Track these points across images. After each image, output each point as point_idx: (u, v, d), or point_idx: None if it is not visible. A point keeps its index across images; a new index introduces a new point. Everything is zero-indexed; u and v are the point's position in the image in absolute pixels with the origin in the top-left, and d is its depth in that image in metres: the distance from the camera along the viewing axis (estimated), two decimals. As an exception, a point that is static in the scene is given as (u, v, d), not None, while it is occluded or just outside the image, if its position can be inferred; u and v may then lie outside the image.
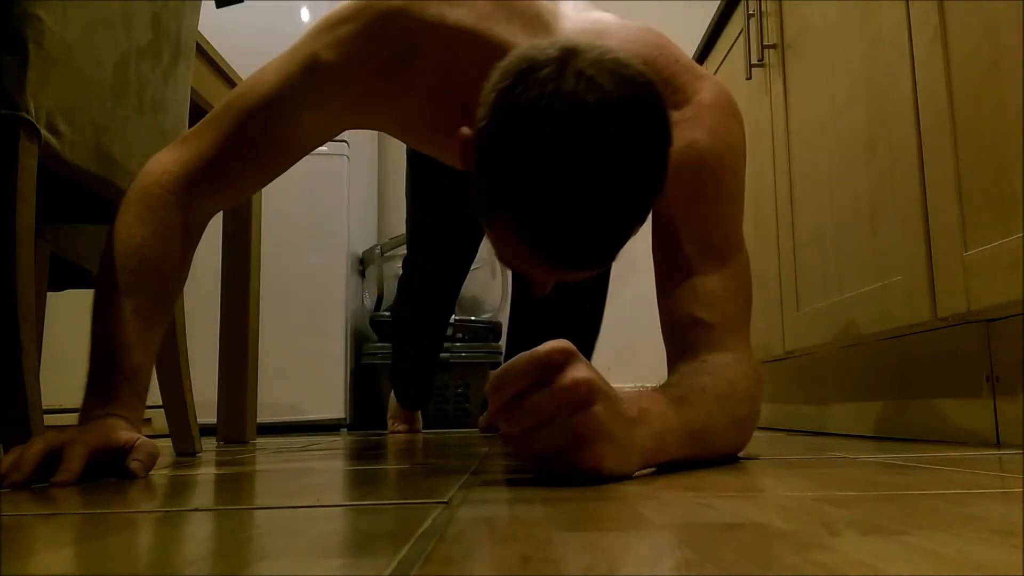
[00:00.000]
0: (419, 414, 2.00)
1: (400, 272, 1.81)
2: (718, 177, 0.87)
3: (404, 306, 1.78)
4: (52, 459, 0.73)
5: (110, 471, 0.77)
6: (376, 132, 3.00)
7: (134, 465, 0.76)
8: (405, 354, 1.85)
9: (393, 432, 1.94)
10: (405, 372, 1.88)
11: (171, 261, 0.90)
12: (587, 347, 1.48)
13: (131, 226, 0.87)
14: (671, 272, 0.87)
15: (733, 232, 0.88)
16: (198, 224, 0.93)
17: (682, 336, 0.84)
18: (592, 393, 0.60)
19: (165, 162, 0.90)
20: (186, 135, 0.92)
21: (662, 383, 0.78)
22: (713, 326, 0.83)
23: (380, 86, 0.89)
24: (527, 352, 0.60)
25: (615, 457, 0.61)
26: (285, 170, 0.95)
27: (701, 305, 0.84)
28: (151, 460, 0.79)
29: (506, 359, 1.53)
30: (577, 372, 0.60)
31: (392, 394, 1.95)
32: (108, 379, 0.84)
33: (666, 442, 0.68)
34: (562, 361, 0.60)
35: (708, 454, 0.75)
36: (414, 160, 1.53)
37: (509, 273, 2.17)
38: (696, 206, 0.87)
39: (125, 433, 0.79)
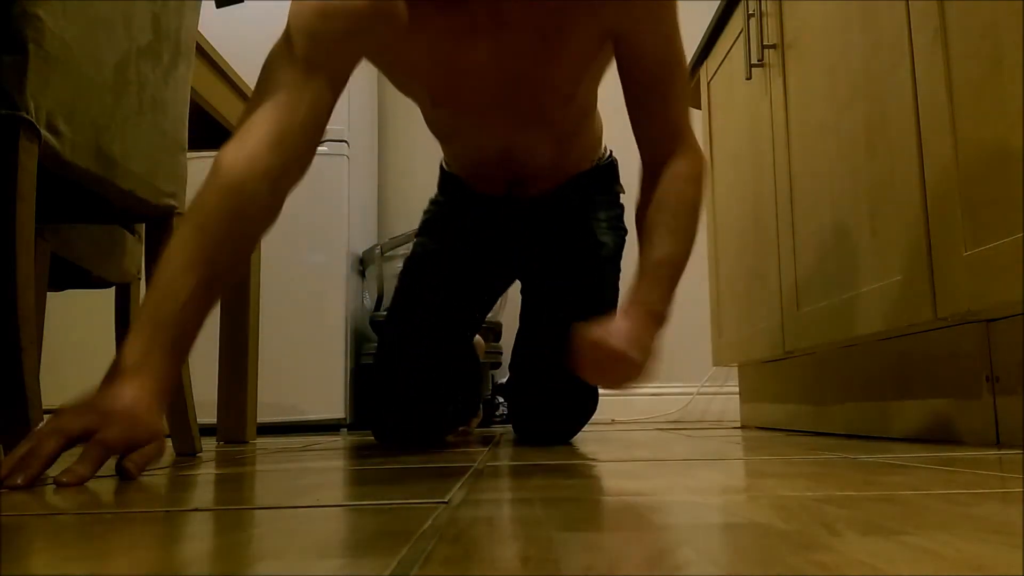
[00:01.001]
0: (477, 415, 1.90)
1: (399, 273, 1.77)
2: (672, 3, 1.13)
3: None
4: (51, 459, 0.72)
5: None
6: (376, 132, 3.00)
7: (128, 465, 0.74)
8: (395, 366, 1.44)
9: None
10: (392, 393, 1.43)
11: (248, 238, 0.95)
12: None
13: (209, 203, 0.90)
14: (641, 93, 1.16)
15: (680, 46, 1.15)
16: (278, 196, 0.97)
17: (651, 149, 1.18)
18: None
19: (237, 142, 0.95)
20: (243, 123, 0.97)
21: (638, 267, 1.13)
22: (670, 139, 1.17)
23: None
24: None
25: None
26: (336, 100, 1.03)
27: (664, 127, 1.17)
28: (145, 462, 0.77)
29: (511, 367, 1.52)
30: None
31: None
32: (156, 331, 0.81)
33: (660, 317, 1.10)
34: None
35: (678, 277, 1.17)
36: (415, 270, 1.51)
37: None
38: (659, 28, 1.13)
39: (147, 432, 0.77)
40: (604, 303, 1.44)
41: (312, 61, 0.98)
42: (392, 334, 1.47)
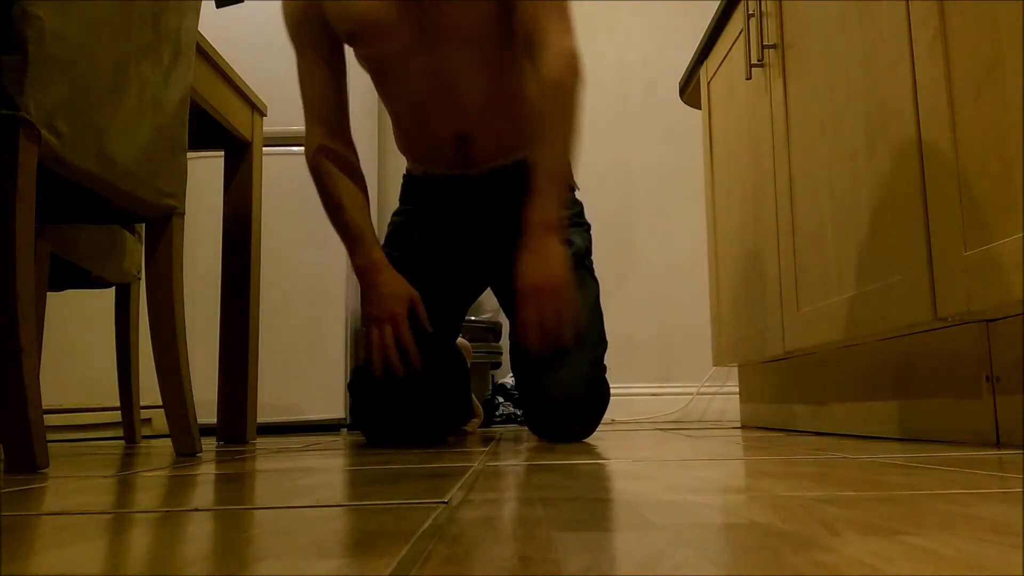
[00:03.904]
0: (478, 416, 1.90)
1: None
2: None
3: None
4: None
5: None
6: (376, 132, 3.00)
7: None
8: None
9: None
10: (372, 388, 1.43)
11: (351, 193, 1.44)
12: (598, 360, 1.46)
13: (321, 182, 1.44)
14: None
15: None
16: (349, 157, 1.46)
17: (526, 49, 1.35)
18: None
19: (311, 149, 1.44)
20: (305, 121, 1.44)
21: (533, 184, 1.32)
22: (540, 43, 1.32)
23: None
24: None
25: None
26: (342, 65, 1.46)
27: (531, 24, 1.32)
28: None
29: (514, 370, 1.52)
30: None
31: None
32: (366, 240, 1.41)
33: (557, 218, 1.33)
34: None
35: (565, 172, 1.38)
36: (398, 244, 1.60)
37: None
38: None
39: (408, 293, 1.39)
40: (584, 304, 1.44)
41: (306, 46, 1.42)
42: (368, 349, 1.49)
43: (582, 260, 1.50)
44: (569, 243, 1.47)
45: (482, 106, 1.42)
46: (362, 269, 1.40)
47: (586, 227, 1.57)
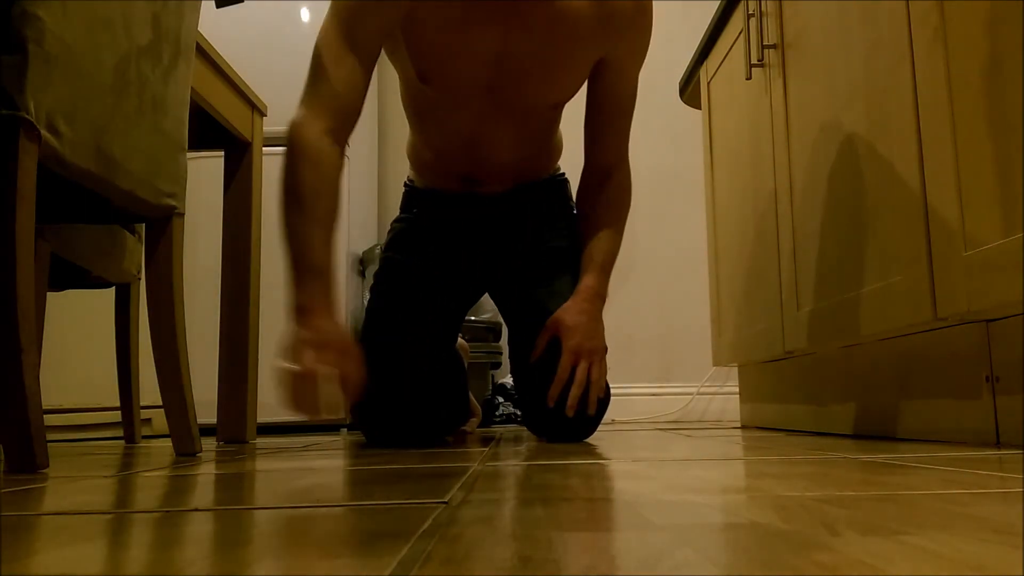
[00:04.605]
0: (476, 415, 1.89)
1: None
2: (648, 38, 1.32)
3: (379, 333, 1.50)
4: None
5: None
6: (376, 132, 3.00)
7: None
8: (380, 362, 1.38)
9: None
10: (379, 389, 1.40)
11: (329, 183, 1.18)
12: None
13: (294, 162, 1.17)
14: (606, 120, 1.41)
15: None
16: (340, 147, 1.22)
17: (598, 162, 1.46)
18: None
19: (303, 113, 1.20)
20: (305, 94, 1.21)
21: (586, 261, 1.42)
22: (616, 159, 1.45)
23: None
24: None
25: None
26: (375, 62, 1.25)
27: (615, 151, 1.44)
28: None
29: (514, 374, 1.53)
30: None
31: None
32: (315, 273, 1.15)
33: (604, 299, 1.40)
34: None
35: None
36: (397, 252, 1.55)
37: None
38: (637, 65, 1.36)
39: (352, 349, 1.12)
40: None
41: (350, 30, 1.19)
42: (370, 350, 1.46)
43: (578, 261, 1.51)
44: (568, 248, 1.50)
45: (504, 162, 1.45)
46: (303, 308, 1.13)
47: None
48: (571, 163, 1.59)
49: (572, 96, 1.39)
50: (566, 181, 1.61)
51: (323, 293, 1.14)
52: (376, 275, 1.56)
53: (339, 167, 1.22)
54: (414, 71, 1.31)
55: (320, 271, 1.15)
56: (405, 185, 1.62)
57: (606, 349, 1.38)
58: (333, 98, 1.21)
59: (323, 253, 1.16)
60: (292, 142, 1.18)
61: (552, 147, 1.55)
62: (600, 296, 1.38)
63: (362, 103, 1.24)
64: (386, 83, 3.08)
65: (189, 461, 1.10)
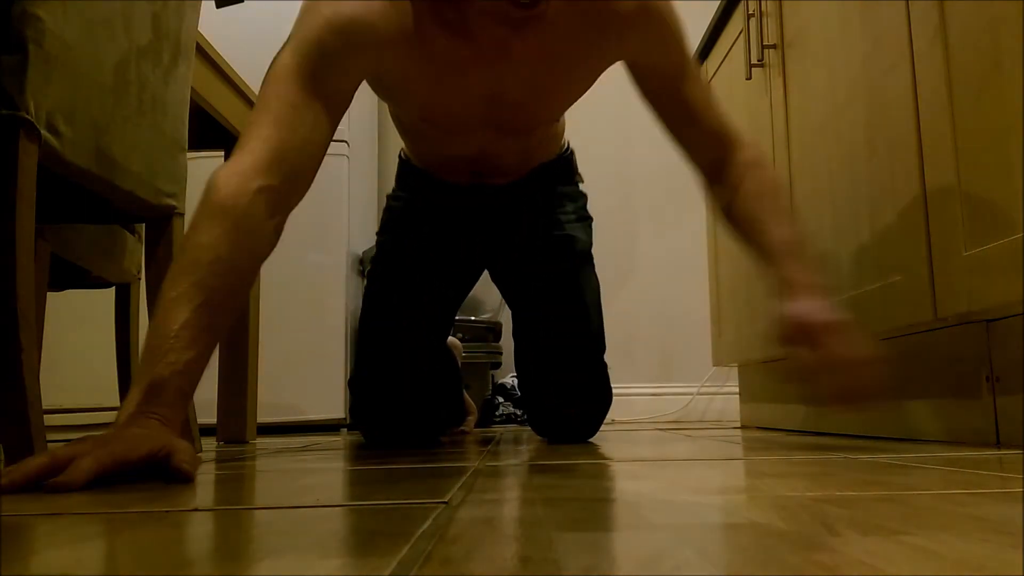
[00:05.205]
0: (472, 413, 1.90)
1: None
2: (668, 28, 1.15)
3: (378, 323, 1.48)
4: (57, 472, 0.67)
5: (133, 478, 0.71)
6: (376, 132, 3.00)
7: (184, 466, 0.71)
8: (377, 368, 1.42)
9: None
10: (373, 393, 1.42)
11: (247, 256, 0.89)
12: (598, 362, 1.47)
13: (206, 221, 0.86)
14: (676, 117, 1.17)
15: (689, 57, 1.18)
16: (279, 215, 0.94)
17: (704, 156, 1.17)
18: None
19: (235, 160, 0.91)
20: (240, 142, 0.93)
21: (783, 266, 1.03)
22: (718, 143, 1.15)
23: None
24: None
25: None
26: (339, 121, 1.01)
27: (708, 137, 1.16)
28: (195, 461, 0.74)
29: (519, 372, 1.53)
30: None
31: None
32: (155, 374, 0.78)
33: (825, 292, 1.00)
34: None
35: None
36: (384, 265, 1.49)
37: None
38: (669, 54, 1.15)
39: (149, 445, 0.72)
40: (586, 301, 1.45)
41: (318, 76, 0.96)
42: (368, 341, 1.46)
43: (589, 256, 1.50)
44: (575, 239, 1.48)
45: (508, 163, 1.39)
46: (133, 416, 0.76)
47: (589, 221, 1.55)
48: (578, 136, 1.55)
49: (578, 99, 1.27)
50: (571, 154, 1.54)
51: (171, 399, 0.78)
52: (372, 260, 1.53)
53: (265, 246, 0.93)
54: (412, 111, 1.24)
55: (169, 387, 0.77)
56: (400, 158, 1.53)
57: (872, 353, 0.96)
58: (279, 151, 0.91)
59: (198, 351, 0.80)
60: (206, 196, 0.88)
61: (558, 131, 1.47)
62: (817, 288, 1.00)
63: (317, 168, 0.98)
64: (386, 83, 3.07)
65: (189, 461, 1.09)
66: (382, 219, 1.56)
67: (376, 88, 1.19)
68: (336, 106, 0.99)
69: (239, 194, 0.87)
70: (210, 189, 0.88)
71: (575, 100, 1.26)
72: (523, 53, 1.10)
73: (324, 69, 0.96)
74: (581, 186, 1.57)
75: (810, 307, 0.96)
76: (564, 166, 1.52)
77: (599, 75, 1.21)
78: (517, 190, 1.45)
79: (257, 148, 0.91)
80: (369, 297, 1.49)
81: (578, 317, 1.45)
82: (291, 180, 0.93)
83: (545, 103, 1.23)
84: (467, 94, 1.14)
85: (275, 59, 0.98)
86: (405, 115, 1.29)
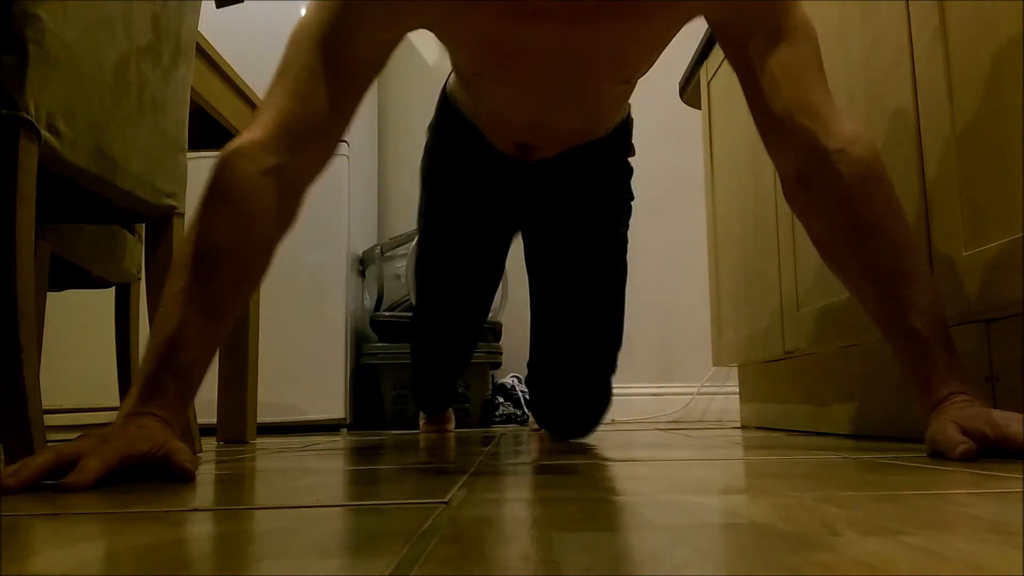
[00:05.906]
0: (451, 412, 1.96)
1: (404, 271, 1.81)
2: None
3: (428, 314, 1.63)
4: (62, 470, 0.67)
5: (133, 477, 0.71)
6: (376, 132, 3.00)
7: (185, 464, 0.71)
8: (428, 361, 1.71)
9: (426, 432, 1.90)
10: (427, 380, 1.76)
11: (253, 244, 0.83)
12: (612, 355, 1.47)
13: (210, 207, 0.80)
14: (764, 85, 0.92)
15: (795, 9, 0.93)
16: (291, 196, 0.86)
17: (803, 155, 0.91)
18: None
19: (245, 136, 0.84)
20: (255, 112, 0.86)
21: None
22: (840, 151, 0.89)
23: None
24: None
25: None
26: (365, 91, 0.92)
27: (805, 126, 0.90)
28: (194, 462, 0.74)
29: (530, 365, 1.56)
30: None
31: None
32: (156, 374, 0.76)
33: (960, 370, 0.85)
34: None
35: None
36: (435, 179, 1.50)
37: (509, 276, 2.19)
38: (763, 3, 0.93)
39: (148, 443, 0.71)
40: (611, 297, 1.46)
41: (343, 36, 0.86)
42: (427, 273, 1.57)
43: (624, 235, 1.50)
44: (612, 231, 1.48)
45: (563, 133, 1.30)
46: (131, 415, 0.75)
47: (631, 198, 1.54)
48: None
49: (649, 69, 1.12)
50: (628, 122, 1.43)
51: (173, 393, 0.76)
52: (421, 207, 1.55)
53: (276, 229, 0.86)
54: (467, 66, 1.15)
55: (167, 389, 0.76)
56: (446, 94, 1.39)
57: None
58: (292, 123, 0.84)
59: (200, 350, 0.78)
60: (217, 174, 0.82)
61: (619, 103, 1.33)
62: (963, 383, 0.84)
63: (337, 140, 0.90)
64: (387, 79, 3.07)
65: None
66: (425, 162, 1.51)
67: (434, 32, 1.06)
68: (361, 73, 0.90)
69: (245, 177, 0.81)
70: (215, 170, 0.82)
71: (645, 66, 1.11)
72: (595, 9, 0.97)
73: (351, 29, 0.87)
74: (631, 160, 1.51)
75: (982, 420, 0.79)
76: (618, 136, 1.41)
77: (672, 35, 1.07)
78: (556, 167, 1.37)
79: (269, 121, 0.84)
80: (426, 233, 1.55)
81: (601, 310, 1.46)
82: (305, 155, 0.86)
83: (608, 63, 1.08)
84: (526, 51, 1.02)
85: (303, 18, 0.90)
86: (460, 65, 1.19)
